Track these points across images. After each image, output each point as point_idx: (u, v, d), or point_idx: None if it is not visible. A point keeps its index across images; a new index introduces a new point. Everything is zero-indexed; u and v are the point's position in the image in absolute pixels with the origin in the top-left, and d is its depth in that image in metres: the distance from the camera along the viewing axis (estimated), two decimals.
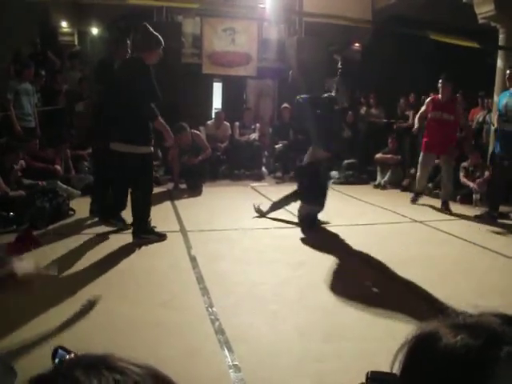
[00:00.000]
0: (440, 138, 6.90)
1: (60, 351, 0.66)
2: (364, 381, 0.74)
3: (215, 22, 11.31)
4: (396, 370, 0.69)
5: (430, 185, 8.26)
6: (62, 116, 8.93)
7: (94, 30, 11.86)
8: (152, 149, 4.95)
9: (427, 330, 0.68)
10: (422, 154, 7.32)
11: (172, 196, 7.49)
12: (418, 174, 7.48)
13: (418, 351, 0.67)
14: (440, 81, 7.08)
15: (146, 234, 4.92)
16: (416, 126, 7.41)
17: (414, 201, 7.45)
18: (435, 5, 10.13)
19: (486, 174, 7.37)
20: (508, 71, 6.45)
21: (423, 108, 7.30)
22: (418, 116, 7.41)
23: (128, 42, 5.51)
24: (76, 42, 11.62)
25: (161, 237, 5.00)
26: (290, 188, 7.12)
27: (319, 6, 10.24)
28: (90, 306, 3.30)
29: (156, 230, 5.10)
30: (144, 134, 4.80)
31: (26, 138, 7.11)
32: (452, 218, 6.48)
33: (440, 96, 7.09)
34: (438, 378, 0.63)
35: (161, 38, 4.79)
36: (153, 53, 4.75)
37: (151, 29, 4.81)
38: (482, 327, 0.65)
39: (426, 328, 0.69)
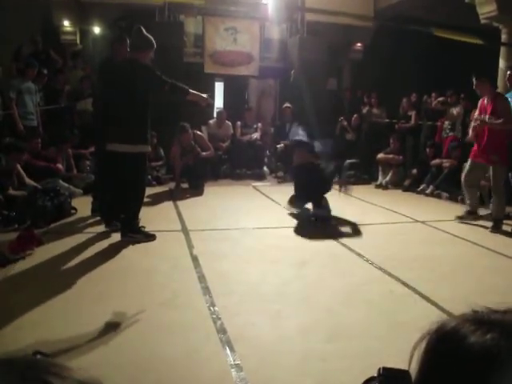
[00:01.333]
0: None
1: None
2: (372, 377, 0.71)
3: (217, 21, 11.29)
4: (412, 367, 0.66)
5: (431, 186, 8.26)
6: (64, 115, 8.94)
7: (96, 29, 11.85)
8: (149, 148, 4.99)
9: (449, 327, 0.64)
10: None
11: (174, 195, 7.49)
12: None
13: (440, 349, 0.63)
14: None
15: (133, 233, 4.92)
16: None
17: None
18: (437, 5, 10.14)
19: None
20: (509, 72, 6.41)
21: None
22: None
23: (129, 41, 5.56)
24: (78, 41, 11.60)
25: (148, 237, 4.96)
26: (292, 187, 7.13)
27: (321, 5, 10.23)
28: (90, 305, 3.30)
29: (145, 229, 5.11)
30: (143, 133, 4.85)
31: (29, 137, 7.11)
32: (454, 218, 6.45)
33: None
34: (467, 379, 0.59)
35: (153, 40, 4.98)
36: (146, 54, 4.94)
37: (145, 31, 4.97)
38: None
39: (447, 324, 0.65)
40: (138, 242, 4.83)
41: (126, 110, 4.79)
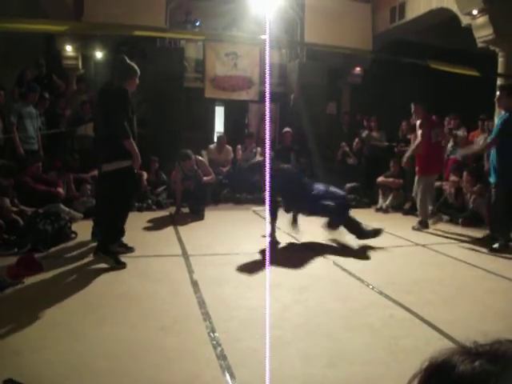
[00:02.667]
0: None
1: None
2: None
3: (217, 46, 11.43)
4: None
5: (430, 207, 8.25)
6: (65, 139, 8.99)
7: (98, 54, 11.98)
8: (125, 163, 4.91)
9: (440, 360, 0.66)
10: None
11: (174, 220, 7.49)
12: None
13: (432, 380, 0.65)
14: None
15: (104, 254, 4.88)
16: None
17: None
18: (435, 29, 10.28)
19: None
20: (498, 92, 6.35)
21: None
22: None
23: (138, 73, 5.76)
24: (80, 66, 11.72)
25: (119, 264, 4.84)
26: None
27: (320, 32, 10.38)
28: (89, 330, 3.28)
29: (145, 253, 5.19)
30: (122, 150, 4.87)
31: (29, 161, 7.15)
32: (455, 241, 6.45)
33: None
34: None
35: (137, 68, 5.16)
36: (132, 81, 5.12)
37: (128, 60, 5.17)
38: (499, 353, 0.64)
39: (438, 358, 0.67)
40: (107, 265, 4.78)
41: (103, 132, 5.06)
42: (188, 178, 7.93)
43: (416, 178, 7.51)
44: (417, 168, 7.45)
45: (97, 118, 6.15)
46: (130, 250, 5.44)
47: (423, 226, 7.34)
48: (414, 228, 7.35)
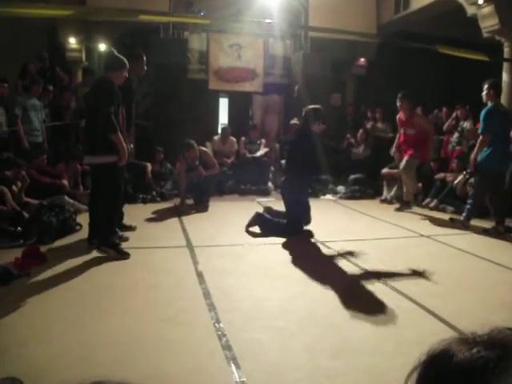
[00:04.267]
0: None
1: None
2: None
3: (221, 37, 11.39)
4: None
5: (435, 200, 8.25)
6: (69, 132, 9.00)
7: (102, 46, 11.95)
8: (114, 158, 4.87)
9: (438, 350, 0.67)
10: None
11: (179, 211, 7.50)
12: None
13: (431, 371, 0.66)
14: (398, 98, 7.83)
15: (106, 247, 4.90)
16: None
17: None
18: (439, 19, 10.20)
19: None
20: (486, 85, 6.33)
21: None
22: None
23: (144, 58, 5.95)
24: (84, 58, 11.71)
25: (121, 254, 4.87)
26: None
27: (324, 24, 10.31)
28: (93, 321, 3.29)
29: (148, 244, 5.21)
30: (107, 143, 4.83)
31: (34, 153, 7.16)
32: (460, 232, 6.43)
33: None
34: None
35: (125, 61, 5.12)
36: (119, 74, 5.05)
37: (116, 53, 5.20)
38: (496, 340, 0.64)
39: (436, 348, 0.67)
40: (109, 257, 4.81)
41: (88, 124, 5.08)
42: (192, 168, 7.93)
43: (405, 160, 7.88)
44: (409, 151, 7.86)
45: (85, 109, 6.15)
46: (130, 228, 5.67)
47: (407, 206, 7.93)
48: (397, 209, 7.97)
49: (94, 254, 4.96)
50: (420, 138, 7.82)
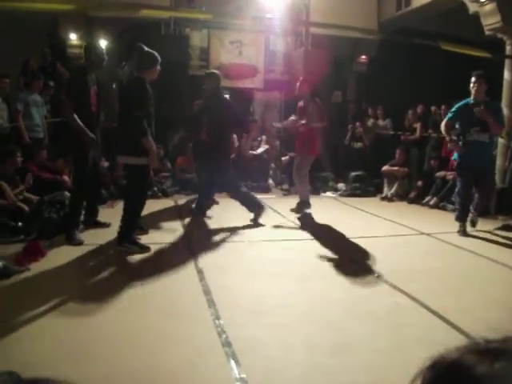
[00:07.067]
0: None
1: None
2: None
3: (222, 34, 11.37)
4: None
5: (435, 198, 8.25)
6: (70, 128, 8.97)
7: (103, 43, 11.92)
8: (144, 161, 4.96)
9: (449, 360, 0.60)
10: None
11: (179, 208, 7.50)
12: None
13: (445, 382, 0.59)
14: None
15: (129, 244, 4.97)
16: None
17: None
18: (441, 17, 10.17)
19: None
20: (473, 78, 6.00)
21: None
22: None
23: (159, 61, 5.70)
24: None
25: (143, 249, 4.98)
26: (297, 200, 7.14)
27: (326, 19, 10.29)
28: (92, 316, 3.30)
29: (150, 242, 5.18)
30: (138, 146, 4.89)
31: (35, 149, 7.16)
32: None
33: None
34: None
35: (157, 55, 5.06)
36: (152, 70, 5.04)
37: (146, 48, 5.06)
38: None
39: (446, 357, 0.60)
40: (132, 254, 4.84)
41: (121, 125, 5.04)
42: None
43: (300, 157, 7.28)
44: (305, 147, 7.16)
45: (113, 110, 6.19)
46: (143, 231, 5.61)
47: (306, 206, 7.19)
48: (292, 210, 7.20)
49: (94, 249, 4.97)
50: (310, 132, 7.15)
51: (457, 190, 6.41)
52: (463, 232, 6.21)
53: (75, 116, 5.25)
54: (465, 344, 0.61)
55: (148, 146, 4.89)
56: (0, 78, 7.44)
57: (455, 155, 6.36)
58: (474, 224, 6.40)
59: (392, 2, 11.12)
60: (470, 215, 6.38)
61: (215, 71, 6.69)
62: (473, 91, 6.03)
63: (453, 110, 6.25)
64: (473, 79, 6.02)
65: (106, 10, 7.36)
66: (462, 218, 6.31)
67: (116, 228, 5.11)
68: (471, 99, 6.05)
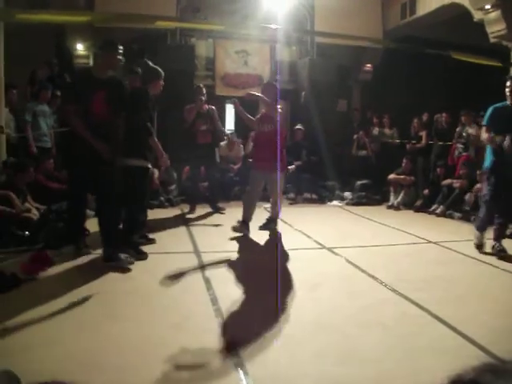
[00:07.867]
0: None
1: None
2: None
3: (228, 44, 11.43)
4: None
5: (442, 207, 8.23)
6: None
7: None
8: (149, 164, 5.29)
9: (467, 379, 0.61)
10: None
11: (185, 217, 7.51)
12: None
13: None
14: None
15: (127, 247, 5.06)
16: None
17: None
18: (446, 24, 10.19)
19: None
20: (508, 83, 5.62)
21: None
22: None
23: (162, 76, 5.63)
24: (91, 64, 11.75)
25: (140, 254, 5.05)
26: (303, 209, 7.13)
27: (330, 28, 10.33)
28: (100, 326, 3.30)
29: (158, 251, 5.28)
30: (143, 149, 5.17)
31: (42, 158, 7.18)
32: (467, 238, 6.39)
33: None
34: None
35: (161, 71, 5.43)
36: (155, 84, 5.37)
37: (151, 63, 5.51)
38: None
39: (463, 376, 0.62)
40: (130, 256, 4.89)
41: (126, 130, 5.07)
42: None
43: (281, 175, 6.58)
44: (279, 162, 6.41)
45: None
46: (150, 241, 5.64)
47: (246, 226, 6.37)
48: (234, 229, 6.35)
49: (100, 258, 4.97)
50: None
51: (484, 199, 5.85)
52: (480, 246, 5.79)
53: (78, 120, 4.69)
54: (481, 364, 0.62)
55: (155, 145, 5.25)
56: (8, 88, 7.49)
57: (487, 163, 5.73)
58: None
59: (397, 11, 11.16)
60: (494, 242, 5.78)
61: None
62: (508, 94, 5.58)
63: (488, 114, 5.69)
64: (508, 83, 5.59)
65: (121, 22, 7.42)
66: (482, 228, 5.81)
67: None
68: (508, 102, 5.60)
